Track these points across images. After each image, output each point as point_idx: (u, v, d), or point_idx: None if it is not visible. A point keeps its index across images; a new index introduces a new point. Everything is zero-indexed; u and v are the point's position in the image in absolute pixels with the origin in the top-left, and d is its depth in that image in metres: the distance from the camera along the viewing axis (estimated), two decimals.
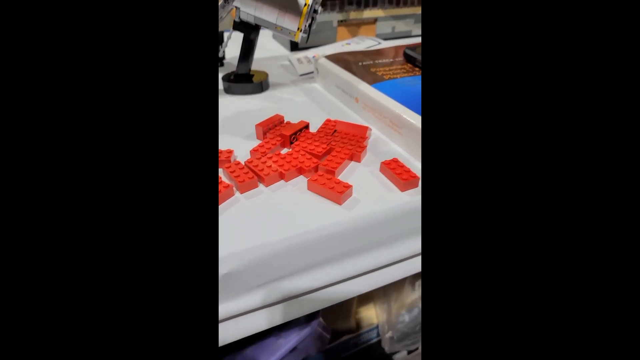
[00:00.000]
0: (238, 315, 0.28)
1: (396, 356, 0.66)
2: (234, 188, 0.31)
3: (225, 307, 0.27)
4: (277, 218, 0.28)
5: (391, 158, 0.34)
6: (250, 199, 0.30)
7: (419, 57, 0.46)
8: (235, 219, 0.28)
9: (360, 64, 0.48)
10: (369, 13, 0.70)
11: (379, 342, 0.64)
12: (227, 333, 0.29)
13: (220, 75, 0.52)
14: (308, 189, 0.31)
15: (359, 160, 0.35)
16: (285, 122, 0.40)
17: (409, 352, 0.66)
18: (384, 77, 0.44)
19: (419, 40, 0.71)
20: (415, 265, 0.33)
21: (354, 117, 0.44)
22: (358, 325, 0.62)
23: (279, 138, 0.37)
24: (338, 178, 0.32)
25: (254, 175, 0.31)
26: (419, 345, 0.66)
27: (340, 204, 0.30)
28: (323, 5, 0.65)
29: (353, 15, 0.69)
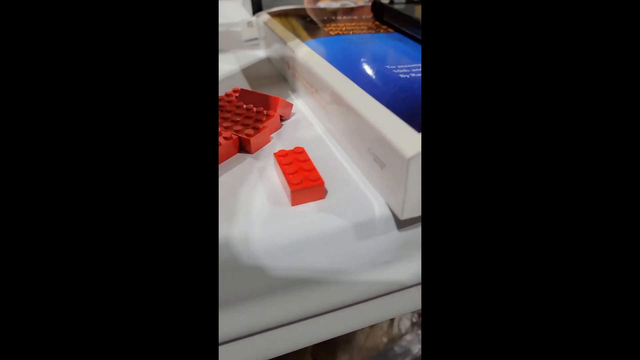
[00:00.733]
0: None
1: None
2: None
3: None
4: None
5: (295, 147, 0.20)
6: None
7: (390, 11, 0.33)
8: None
9: (309, 19, 0.35)
10: None
11: None
12: None
13: None
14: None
15: (250, 151, 0.22)
16: None
17: None
18: (330, 33, 0.30)
19: None
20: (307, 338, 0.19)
21: (284, 90, 0.31)
22: None
23: None
24: None
25: None
26: None
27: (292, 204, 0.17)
28: None
29: None
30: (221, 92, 0.30)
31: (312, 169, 0.19)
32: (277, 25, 0.34)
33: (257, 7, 0.54)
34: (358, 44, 0.27)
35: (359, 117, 0.19)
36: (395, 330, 0.52)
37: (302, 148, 0.20)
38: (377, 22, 0.34)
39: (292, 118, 0.26)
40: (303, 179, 0.18)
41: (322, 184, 0.18)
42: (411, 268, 0.18)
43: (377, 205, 0.18)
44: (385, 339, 0.51)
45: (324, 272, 0.17)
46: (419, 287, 0.20)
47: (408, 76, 0.21)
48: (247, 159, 0.22)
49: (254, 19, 0.47)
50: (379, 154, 0.17)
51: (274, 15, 0.37)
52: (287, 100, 0.27)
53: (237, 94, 0.27)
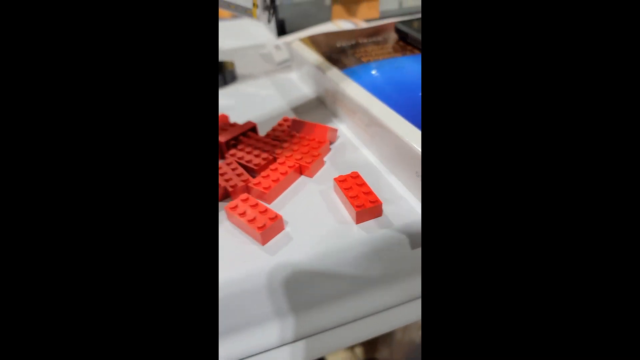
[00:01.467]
0: None
1: None
2: None
3: None
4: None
5: (351, 172, 0.24)
6: None
7: (412, 32, 0.36)
8: None
9: (339, 45, 0.38)
10: None
11: None
12: None
13: None
14: (228, 219, 0.23)
15: (310, 175, 0.26)
16: (231, 123, 0.32)
17: None
18: (362, 59, 0.33)
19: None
20: (378, 327, 0.23)
21: (325, 115, 0.34)
22: None
23: None
24: (268, 205, 0.23)
25: None
26: None
27: (262, 244, 0.21)
28: None
29: None
30: (268, 119, 0.34)
31: (370, 192, 0.22)
32: (312, 53, 0.37)
33: (281, 30, 0.57)
34: (390, 70, 0.31)
35: (405, 144, 0.22)
36: None
37: (357, 173, 0.24)
38: (401, 43, 0.37)
39: (338, 142, 0.30)
40: (364, 202, 0.21)
41: (380, 204, 0.21)
42: None
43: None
44: (420, 333, 0.54)
45: (382, 277, 0.20)
46: None
47: None
48: (309, 184, 0.25)
49: (280, 42, 0.51)
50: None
51: (305, 40, 0.41)
52: (330, 125, 0.31)
53: (289, 124, 0.31)
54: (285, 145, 0.28)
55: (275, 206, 0.24)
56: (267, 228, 0.20)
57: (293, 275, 0.20)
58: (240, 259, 0.20)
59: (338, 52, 0.36)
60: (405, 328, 0.54)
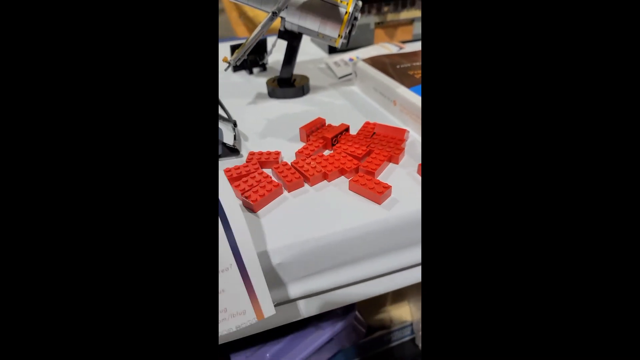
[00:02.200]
0: (282, 304, 0.31)
1: None
2: (283, 187, 0.33)
3: (272, 295, 0.30)
4: (321, 215, 0.30)
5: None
6: (297, 197, 0.33)
7: None
8: (284, 215, 0.31)
9: (397, 66, 0.49)
10: (406, 14, 0.70)
11: (413, 340, 0.65)
12: (271, 319, 0.31)
13: (264, 80, 0.55)
14: (349, 189, 0.33)
15: (397, 162, 0.37)
16: (326, 125, 0.43)
17: None
18: (415, 76, 0.45)
19: None
20: None
21: (391, 119, 0.45)
22: (392, 322, 0.63)
23: (321, 140, 0.39)
24: (378, 179, 0.34)
25: (300, 175, 0.34)
26: None
27: (379, 203, 0.32)
28: (361, 9, 0.67)
29: (390, 17, 0.70)
30: (353, 123, 0.45)
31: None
32: (378, 73, 0.48)
33: (332, 48, 0.68)
34: None
35: None
36: None
37: None
38: None
39: (408, 140, 0.41)
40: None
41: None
42: None
43: None
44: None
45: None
46: None
47: None
48: (396, 169, 0.36)
49: (338, 59, 0.62)
50: None
51: (367, 61, 0.52)
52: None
53: (372, 126, 0.42)
54: (376, 141, 0.39)
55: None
56: (384, 193, 0.31)
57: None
58: (361, 214, 0.31)
59: (401, 74, 0.47)
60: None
